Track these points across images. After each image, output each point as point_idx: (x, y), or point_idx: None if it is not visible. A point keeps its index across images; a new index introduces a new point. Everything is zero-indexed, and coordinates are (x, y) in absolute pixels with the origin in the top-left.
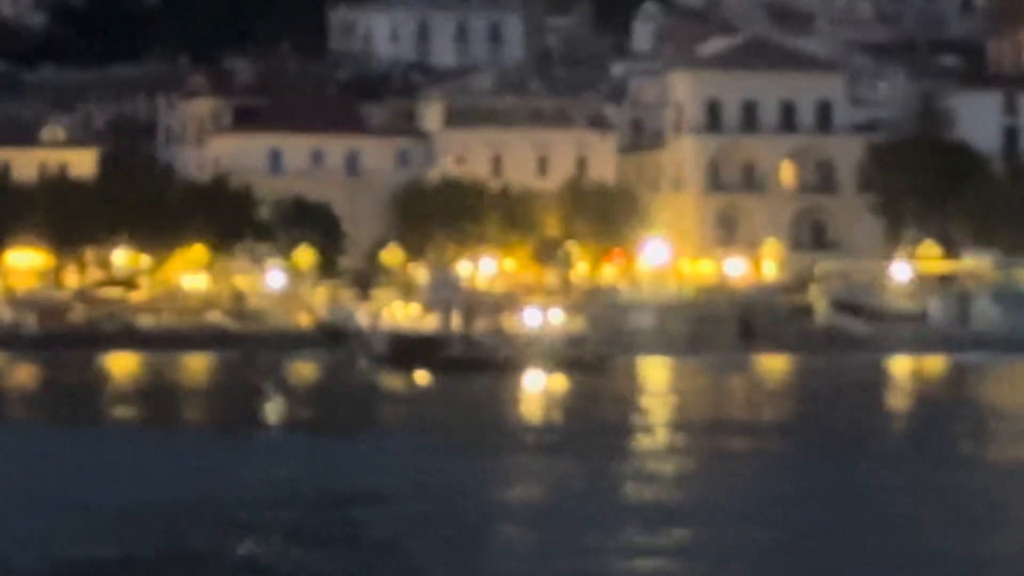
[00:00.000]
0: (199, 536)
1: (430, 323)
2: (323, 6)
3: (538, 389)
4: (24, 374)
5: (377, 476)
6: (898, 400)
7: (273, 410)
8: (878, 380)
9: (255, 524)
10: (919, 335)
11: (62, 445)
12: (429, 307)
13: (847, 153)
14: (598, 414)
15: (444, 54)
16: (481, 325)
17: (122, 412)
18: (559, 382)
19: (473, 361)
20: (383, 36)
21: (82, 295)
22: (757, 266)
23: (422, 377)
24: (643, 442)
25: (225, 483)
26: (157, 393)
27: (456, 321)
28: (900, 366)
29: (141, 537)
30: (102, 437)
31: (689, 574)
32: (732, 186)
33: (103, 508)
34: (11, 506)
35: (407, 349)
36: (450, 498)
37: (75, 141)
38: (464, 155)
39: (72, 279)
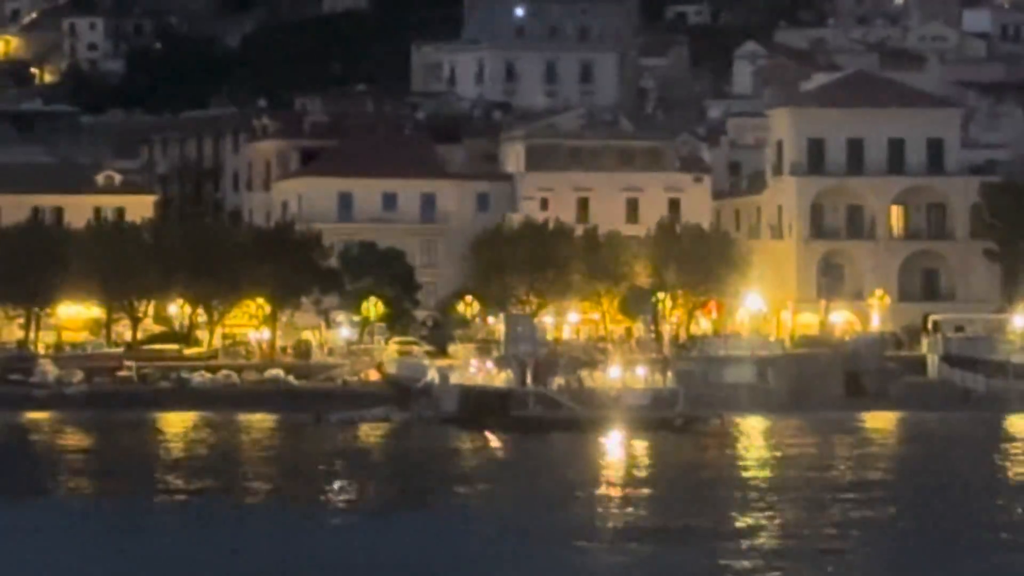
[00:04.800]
0: None
1: (504, 379)
2: (407, 47)
3: (621, 452)
4: (71, 437)
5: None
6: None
7: (339, 483)
8: (997, 440)
9: None
10: None
11: (113, 522)
12: (505, 362)
13: (961, 196)
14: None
15: (532, 95)
16: (560, 382)
17: (177, 482)
18: (642, 446)
19: (548, 420)
20: (468, 76)
21: (134, 350)
22: (864, 317)
23: (493, 439)
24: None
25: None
26: (216, 460)
27: (530, 377)
28: (1017, 425)
29: None
30: (157, 512)
31: None
32: (836, 231)
33: None
34: None
35: (478, 407)
36: None
37: (132, 186)
38: (548, 198)
39: (124, 333)
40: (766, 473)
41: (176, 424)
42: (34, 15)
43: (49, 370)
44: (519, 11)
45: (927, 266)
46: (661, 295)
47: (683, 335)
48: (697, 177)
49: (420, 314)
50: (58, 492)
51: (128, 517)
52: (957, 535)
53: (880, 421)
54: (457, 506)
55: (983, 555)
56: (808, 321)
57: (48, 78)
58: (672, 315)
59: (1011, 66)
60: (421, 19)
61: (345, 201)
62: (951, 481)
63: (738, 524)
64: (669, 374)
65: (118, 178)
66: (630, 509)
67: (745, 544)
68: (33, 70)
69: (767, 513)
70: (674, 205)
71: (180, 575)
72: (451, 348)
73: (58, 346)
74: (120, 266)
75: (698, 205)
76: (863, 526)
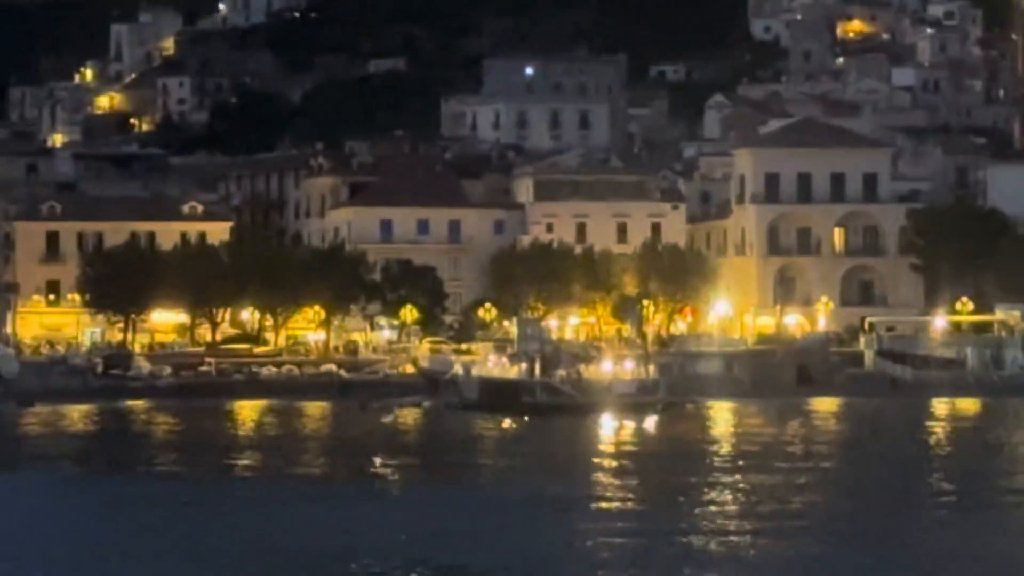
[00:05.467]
0: None
1: (516, 372)
2: (437, 100)
3: (613, 432)
4: (161, 421)
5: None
6: (938, 440)
7: (383, 461)
8: (921, 420)
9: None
10: (956, 380)
11: (196, 496)
12: (517, 358)
13: (891, 220)
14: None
15: (539, 139)
16: (562, 373)
17: (249, 461)
18: (630, 426)
19: (553, 406)
20: (487, 123)
21: (213, 349)
22: (812, 320)
23: (508, 423)
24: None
25: (349, 536)
26: (280, 441)
27: (537, 370)
28: (940, 408)
29: None
30: (234, 487)
31: None
32: (789, 249)
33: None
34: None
35: (495, 395)
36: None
37: (212, 215)
38: (552, 223)
39: (205, 335)
40: (730, 446)
41: (247, 410)
42: (134, 76)
43: (143, 366)
44: (528, 70)
45: (863, 278)
46: (645, 302)
47: (663, 335)
48: (675, 205)
49: (447, 319)
50: (149, 467)
51: (206, 489)
52: (888, 494)
53: (825, 405)
54: (478, 478)
55: (911, 510)
56: (766, 323)
57: (144, 127)
58: (654, 318)
59: (931, 113)
60: (448, 77)
61: (386, 226)
62: (884, 452)
63: (708, 487)
64: (651, 367)
65: (200, 208)
66: (621, 477)
67: (714, 500)
68: (132, 120)
69: (733, 476)
70: (656, 228)
71: (252, 540)
72: (473, 346)
73: (151, 346)
74: (202, 280)
75: (675, 228)
76: (809, 487)
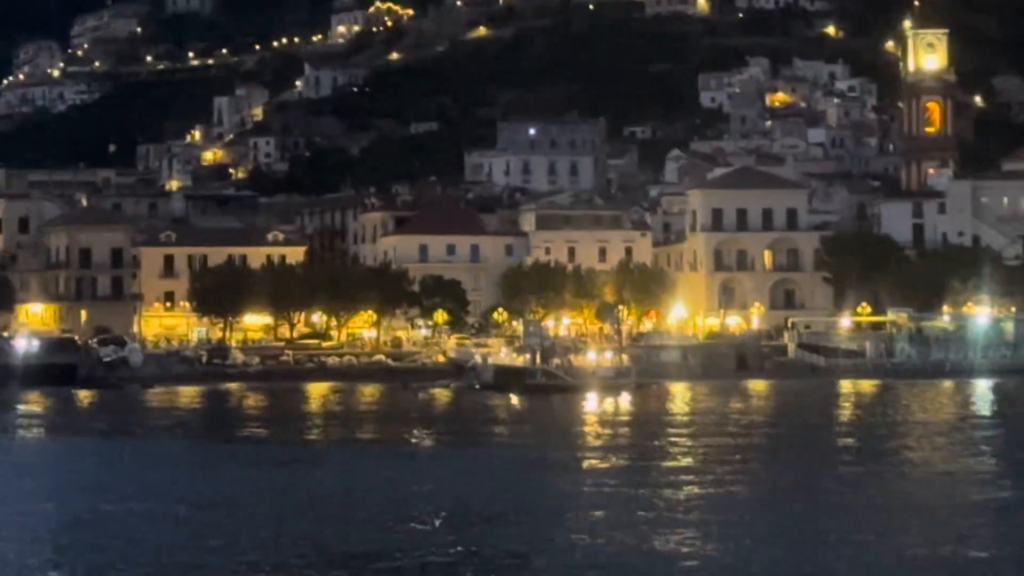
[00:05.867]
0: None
1: (522, 361)
2: (462, 153)
3: (595, 407)
4: (251, 399)
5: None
6: (844, 410)
7: (421, 430)
8: (832, 397)
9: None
10: (858, 366)
11: (278, 455)
12: (522, 350)
13: (808, 244)
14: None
15: (539, 183)
16: (557, 362)
17: (318, 429)
18: (609, 403)
19: (549, 387)
20: (500, 171)
21: (291, 344)
22: (748, 320)
23: (516, 399)
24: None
25: (395, 485)
26: (341, 414)
27: (538, 359)
28: (846, 388)
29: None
30: (307, 449)
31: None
32: (730, 267)
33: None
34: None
35: (505, 378)
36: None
37: (290, 242)
38: (550, 247)
39: (284, 332)
40: (685, 417)
41: (317, 391)
42: (231, 136)
43: (238, 356)
44: (531, 131)
45: (787, 288)
46: (620, 307)
47: (634, 332)
48: (643, 233)
49: (470, 320)
50: (242, 434)
51: (285, 451)
52: (810, 454)
53: (758, 386)
54: (493, 442)
55: (829, 467)
56: (712, 323)
57: (239, 175)
58: (627, 320)
59: (838, 163)
60: (471, 136)
61: (423, 250)
62: (805, 421)
63: (669, 448)
64: (625, 356)
65: (281, 236)
66: (602, 441)
67: (675, 458)
68: (230, 170)
69: (693, 454)
70: (628, 251)
71: (321, 489)
72: (489, 341)
73: (243, 341)
74: (282, 291)
75: (643, 251)
76: (748, 448)
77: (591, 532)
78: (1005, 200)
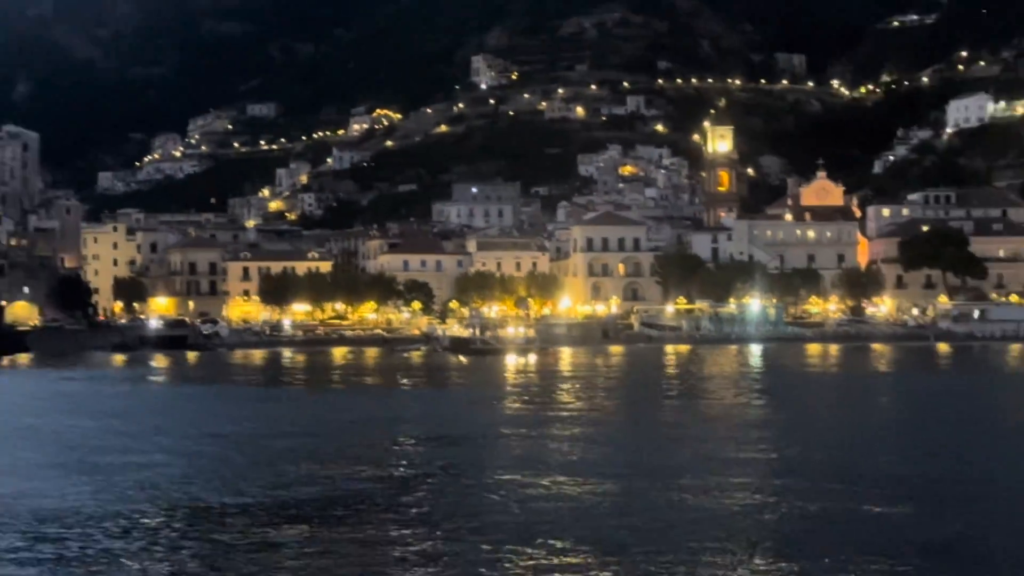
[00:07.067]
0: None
1: (468, 334)
2: (431, 205)
3: (513, 363)
4: (297, 359)
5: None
6: (668, 365)
7: (405, 377)
8: (661, 356)
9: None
10: (679, 337)
11: (311, 396)
12: (467, 326)
13: (646, 260)
14: (543, 377)
15: (479, 221)
16: (489, 334)
17: (338, 378)
18: (522, 360)
19: (485, 350)
20: (454, 214)
21: (322, 323)
22: (608, 308)
23: (463, 358)
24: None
25: (386, 411)
26: (352, 367)
27: (477, 332)
28: (670, 350)
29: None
30: (331, 392)
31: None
32: (598, 274)
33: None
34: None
35: (458, 345)
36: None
37: (322, 259)
38: (486, 262)
39: (318, 315)
40: (569, 369)
41: (339, 353)
42: (287, 193)
43: (289, 331)
44: (474, 190)
45: (634, 287)
46: (529, 300)
47: (537, 315)
48: (544, 253)
49: (435, 308)
50: (288, 383)
51: (316, 392)
52: (648, 390)
53: (616, 349)
54: (450, 386)
55: (659, 398)
56: (586, 309)
57: (292, 217)
58: (533, 307)
59: (665, 210)
60: (437, 193)
61: (406, 264)
62: (644, 371)
63: (556, 390)
64: (532, 330)
65: (317, 255)
66: (518, 385)
67: (559, 395)
68: (286, 213)
69: (574, 391)
70: (534, 264)
71: (338, 417)
72: (448, 321)
73: (293, 322)
74: (317, 290)
75: (544, 264)
76: (608, 392)
77: (513, 445)
78: (768, 232)
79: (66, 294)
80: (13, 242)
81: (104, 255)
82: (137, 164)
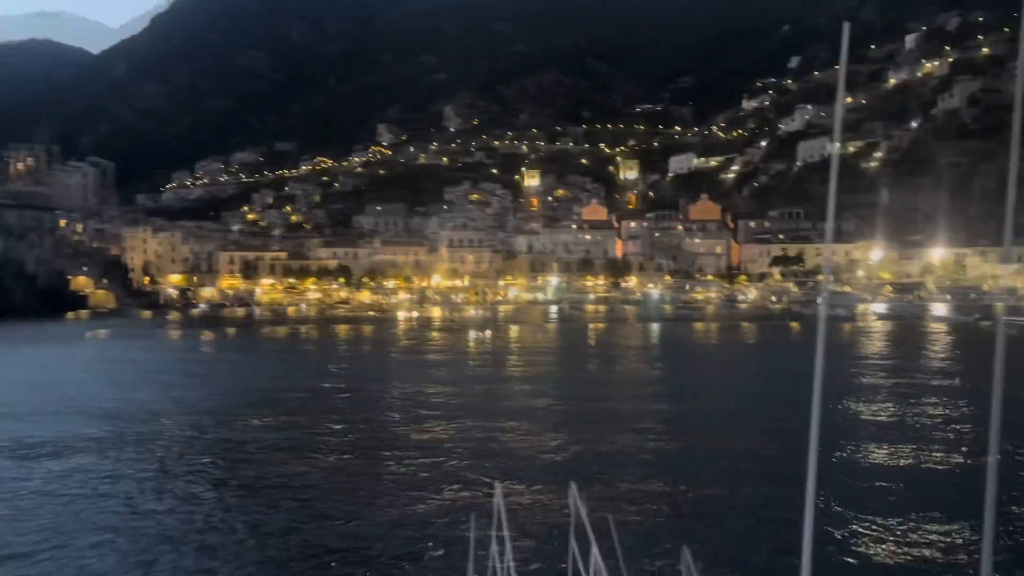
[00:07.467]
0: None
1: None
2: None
3: (475, 337)
4: (310, 334)
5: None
6: (591, 338)
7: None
8: (585, 332)
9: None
10: (599, 317)
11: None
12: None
13: (487, 254)
14: (494, 346)
15: (382, 227)
16: (455, 314)
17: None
18: (481, 334)
19: (454, 327)
20: (366, 224)
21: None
22: (547, 294)
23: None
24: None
25: (386, 382)
26: (356, 337)
27: (448, 313)
28: (592, 327)
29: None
30: (337, 360)
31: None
32: (457, 262)
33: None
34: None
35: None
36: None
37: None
38: (385, 254)
39: (286, 294)
40: (518, 343)
41: (343, 329)
42: (259, 209)
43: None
44: (379, 207)
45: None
46: (486, 288)
47: (492, 301)
48: (423, 246)
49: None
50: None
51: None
52: (575, 357)
53: (551, 327)
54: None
55: (583, 364)
56: (529, 296)
57: (263, 224)
58: (489, 294)
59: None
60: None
61: (335, 254)
62: (573, 344)
63: (511, 356)
64: (488, 312)
65: (277, 248)
66: (479, 354)
67: (512, 359)
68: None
69: (520, 355)
70: (416, 255)
71: (346, 383)
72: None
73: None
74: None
75: (423, 255)
76: (548, 355)
77: (473, 405)
78: (563, 237)
79: (112, 271)
80: (82, 239)
81: (137, 247)
82: (189, 184)
